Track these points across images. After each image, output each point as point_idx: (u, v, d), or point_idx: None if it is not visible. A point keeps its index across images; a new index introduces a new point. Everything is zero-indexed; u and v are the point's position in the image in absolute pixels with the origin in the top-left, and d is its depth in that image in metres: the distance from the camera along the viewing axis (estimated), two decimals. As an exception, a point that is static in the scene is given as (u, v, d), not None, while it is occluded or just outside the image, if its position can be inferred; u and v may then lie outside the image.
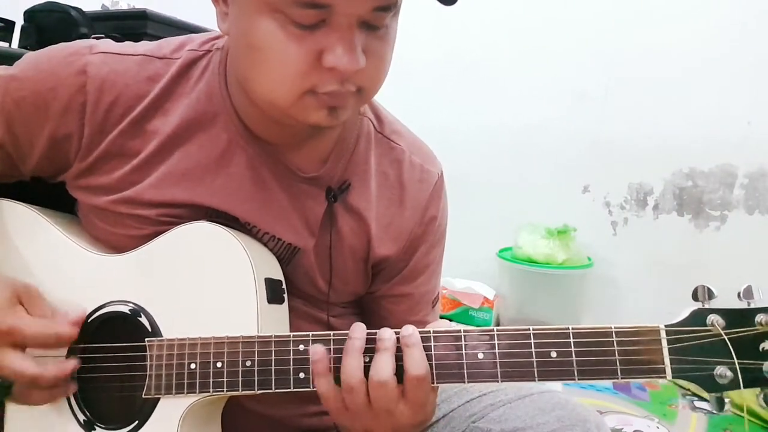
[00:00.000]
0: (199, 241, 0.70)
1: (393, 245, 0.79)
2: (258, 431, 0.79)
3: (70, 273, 0.73)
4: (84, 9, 1.45)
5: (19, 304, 0.69)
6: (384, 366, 0.60)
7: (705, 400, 1.81)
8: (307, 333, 0.64)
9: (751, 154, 2.10)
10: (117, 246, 0.73)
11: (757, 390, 0.55)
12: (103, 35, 1.35)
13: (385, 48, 0.64)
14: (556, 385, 1.92)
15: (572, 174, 2.34)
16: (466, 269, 2.33)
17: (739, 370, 0.54)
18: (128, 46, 0.74)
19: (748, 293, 0.55)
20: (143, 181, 0.71)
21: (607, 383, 1.95)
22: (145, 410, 0.68)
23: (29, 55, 0.73)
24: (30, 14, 1.46)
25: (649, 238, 2.26)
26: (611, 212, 2.32)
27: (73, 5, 1.44)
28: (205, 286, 0.69)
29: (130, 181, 0.71)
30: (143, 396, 0.67)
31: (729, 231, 2.15)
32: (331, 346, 0.63)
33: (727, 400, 0.57)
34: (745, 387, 0.54)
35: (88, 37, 1.36)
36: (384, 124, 0.81)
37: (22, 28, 1.47)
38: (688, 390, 1.88)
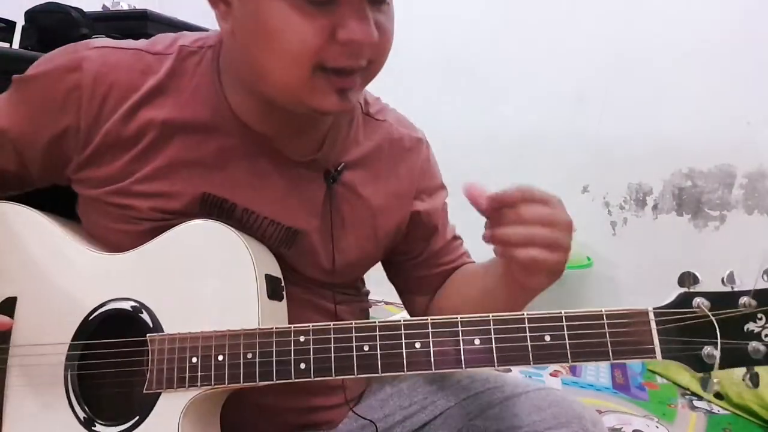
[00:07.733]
0: (200, 238, 0.70)
1: (399, 212, 0.83)
2: (259, 424, 0.79)
3: (72, 272, 0.74)
4: (85, 9, 1.45)
5: None
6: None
7: (704, 399, 1.81)
8: (308, 324, 0.65)
9: (750, 154, 2.11)
10: (115, 243, 0.74)
11: (743, 370, 0.56)
12: (103, 36, 1.37)
13: (390, 23, 0.66)
14: (555, 384, 1.92)
15: (572, 174, 2.35)
16: (466, 269, 2.33)
17: (725, 350, 0.56)
18: (123, 42, 0.76)
19: (730, 279, 0.58)
20: (138, 172, 0.72)
21: (607, 382, 1.95)
22: (145, 406, 0.67)
23: (40, 58, 0.76)
24: (31, 15, 1.46)
25: (649, 238, 2.26)
26: (610, 212, 2.33)
27: (73, 6, 1.45)
28: (207, 281, 0.69)
29: (127, 173, 0.72)
30: (144, 391, 0.67)
31: (728, 231, 2.16)
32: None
33: (720, 388, 0.57)
34: (731, 366, 0.56)
35: (89, 38, 1.37)
36: (369, 104, 0.85)
37: (23, 28, 1.47)
38: (688, 389, 1.88)
